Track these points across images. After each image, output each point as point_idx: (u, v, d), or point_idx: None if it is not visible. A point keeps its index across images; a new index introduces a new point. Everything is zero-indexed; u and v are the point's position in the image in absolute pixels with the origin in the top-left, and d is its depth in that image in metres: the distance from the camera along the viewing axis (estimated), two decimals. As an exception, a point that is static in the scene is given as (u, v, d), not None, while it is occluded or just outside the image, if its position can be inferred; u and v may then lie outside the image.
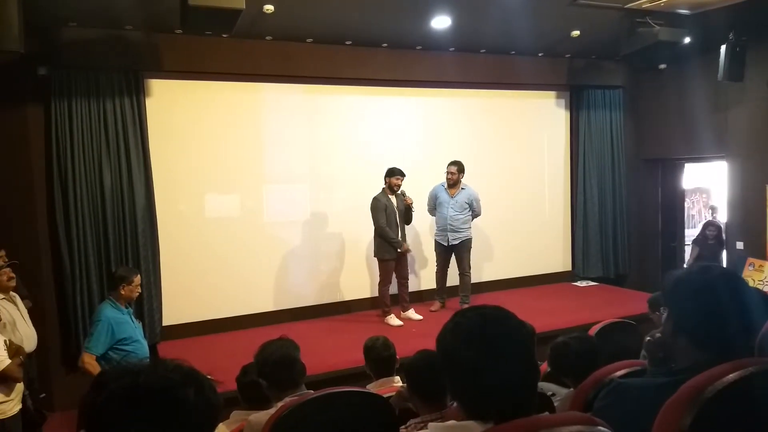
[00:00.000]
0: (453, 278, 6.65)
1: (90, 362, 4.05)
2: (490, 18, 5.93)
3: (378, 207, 6.06)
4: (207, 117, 6.10)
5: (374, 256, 6.26)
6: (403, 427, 2.35)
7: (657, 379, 1.54)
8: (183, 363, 1.03)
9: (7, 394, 3.77)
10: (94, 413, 0.94)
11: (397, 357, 3.30)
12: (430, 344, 2.39)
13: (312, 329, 6.04)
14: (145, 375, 0.97)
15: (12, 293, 4.23)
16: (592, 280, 7.89)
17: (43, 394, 4.82)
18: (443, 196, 6.49)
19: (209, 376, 1.04)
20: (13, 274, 4.21)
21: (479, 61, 7.10)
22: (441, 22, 5.91)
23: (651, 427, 1.34)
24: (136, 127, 5.65)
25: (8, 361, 3.71)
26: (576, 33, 6.52)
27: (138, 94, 5.67)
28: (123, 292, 4.23)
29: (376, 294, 6.45)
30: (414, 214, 6.35)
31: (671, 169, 8.30)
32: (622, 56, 6.65)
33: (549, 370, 2.97)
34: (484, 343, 1.23)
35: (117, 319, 4.15)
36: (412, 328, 6.05)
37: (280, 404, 2.38)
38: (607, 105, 7.96)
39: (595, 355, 2.79)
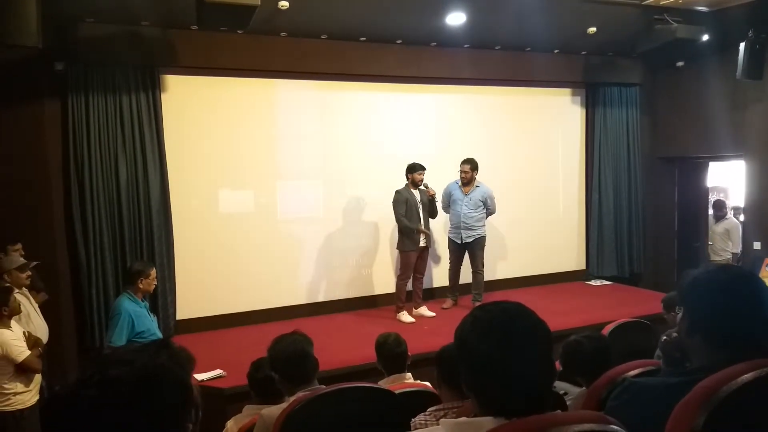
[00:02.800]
0: (466, 276, 6.63)
1: None
2: (505, 14, 5.90)
3: (399, 200, 6.10)
4: (222, 113, 6.13)
5: (396, 248, 6.30)
6: (422, 413, 2.34)
7: (671, 379, 1.52)
8: (139, 355, 1.01)
9: (27, 385, 3.86)
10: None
11: (409, 354, 3.30)
12: (442, 341, 2.40)
13: (325, 325, 6.06)
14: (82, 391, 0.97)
15: (23, 288, 4.33)
16: (607, 279, 7.82)
17: (58, 387, 4.88)
18: (457, 193, 6.47)
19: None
20: (30, 274, 4.32)
21: (494, 58, 7.06)
22: (456, 19, 5.89)
23: (664, 427, 1.33)
24: (151, 123, 5.70)
25: (28, 352, 3.78)
26: (592, 30, 6.46)
27: (154, 89, 5.71)
28: (141, 286, 4.30)
29: (392, 290, 6.46)
30: (438, 204, 6.37)
31: (688, 167, 8.18)
32: (639, 53, 6.60)
33: (561, 368, 2.96)
34: (502, 338, 1.23)
35: (136, 312, 4.22)
36: (424, 325, 6.05)
37: (292, 399, 2.39)
38: (623, 102, 7.87)
39: (608, 354, 2.77)
